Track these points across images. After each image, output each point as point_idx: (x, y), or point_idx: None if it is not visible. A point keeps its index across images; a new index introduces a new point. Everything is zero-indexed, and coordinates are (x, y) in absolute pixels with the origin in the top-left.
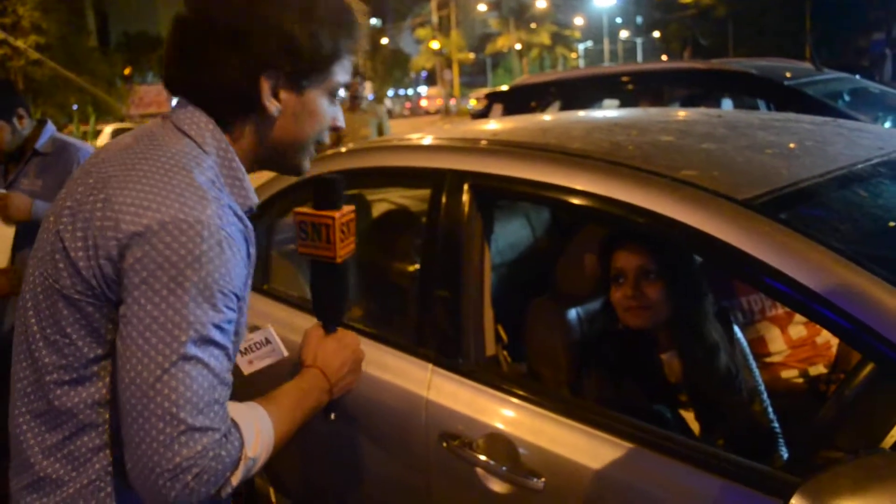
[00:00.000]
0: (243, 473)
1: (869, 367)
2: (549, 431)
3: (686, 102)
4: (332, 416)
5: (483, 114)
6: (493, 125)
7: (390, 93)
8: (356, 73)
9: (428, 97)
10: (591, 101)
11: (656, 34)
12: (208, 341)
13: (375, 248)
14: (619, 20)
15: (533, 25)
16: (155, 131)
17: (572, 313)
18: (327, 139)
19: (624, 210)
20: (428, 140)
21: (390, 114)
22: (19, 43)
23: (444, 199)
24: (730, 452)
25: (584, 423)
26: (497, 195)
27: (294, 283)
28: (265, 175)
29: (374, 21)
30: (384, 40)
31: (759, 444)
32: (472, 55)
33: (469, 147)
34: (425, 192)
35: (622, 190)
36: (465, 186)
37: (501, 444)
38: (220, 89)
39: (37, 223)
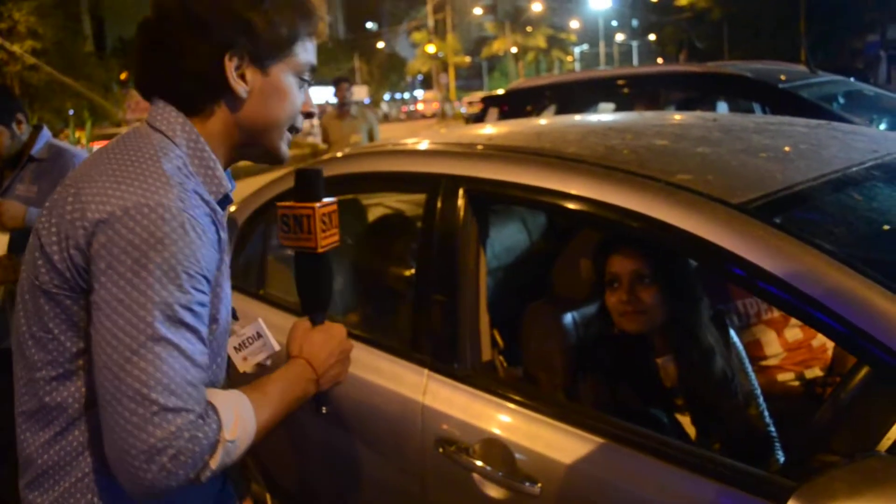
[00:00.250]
0: (222, 457)
1: (864, 371)
2: (546, 436)
3: (682, 105)
4: (324, 409)
5: (479, 118)
6: (489, 129)
7: (386, 96)
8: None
9: (424, 101)
10: (586, 105)
11: (652, 37)
12: (178, 322)
13: (371, 253)
14: (614, 23)
15: (529, 29)
16: (130, 132)
17: (568, 317)
18: (301, 124)
19: (619, 214)
20: (423, 145)
21: (386, 118)
22: (15, 48)
23: (439, 204)
24: (726, 456)
25: (580, 427)
26: (492, 200)
27: (290, 288)
28: (260, 181)
29: (370, 25)
30: (380, 44)
31: (755, 448)
32: (468, 59)
33: (464, 152)
34: (421, 197)
35: (617, 194)
36: (461, 191)
37: (498, 450)
38: (187, 77)
39: (31, 231)
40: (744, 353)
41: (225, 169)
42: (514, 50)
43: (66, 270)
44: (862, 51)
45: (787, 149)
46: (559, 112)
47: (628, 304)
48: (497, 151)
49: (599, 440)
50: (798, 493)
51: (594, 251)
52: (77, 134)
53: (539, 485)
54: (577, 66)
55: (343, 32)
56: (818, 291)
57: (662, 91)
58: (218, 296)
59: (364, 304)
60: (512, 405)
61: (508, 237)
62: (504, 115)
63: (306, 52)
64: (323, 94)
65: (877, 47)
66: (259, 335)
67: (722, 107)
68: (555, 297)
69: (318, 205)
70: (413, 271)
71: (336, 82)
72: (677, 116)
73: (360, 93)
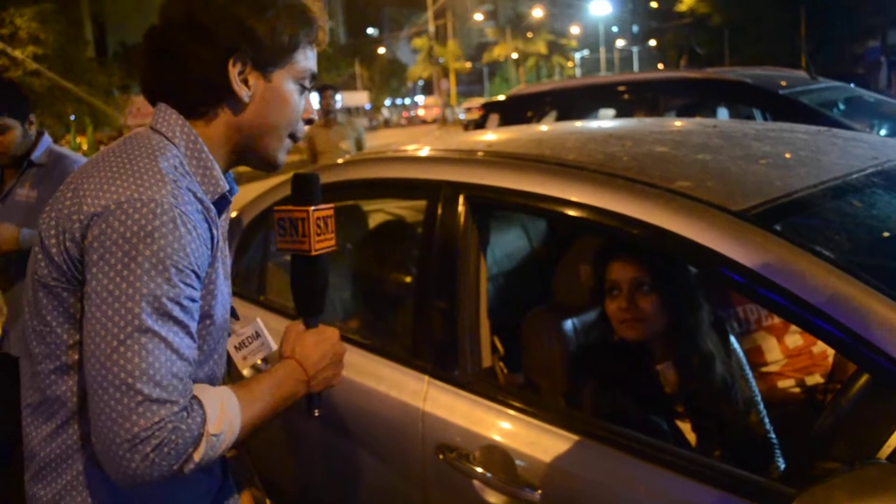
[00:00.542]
0: (206, 450)
1: (865, 378)
2: (546, 443)
3: (682, 112)
4: (316, 412)
5: (479, 124)
6: (489, 136)
7: (387, 102)
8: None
9: (425, 106)
10: (586, 111)
11: (652, 43)
12: (165, 315)
13: (371, 259)
14: (615, 29)
15: (529, 35)
16: (132, 134)
17: (568, 324)
18: (301, 131)
19: (619, 221)
20: (424, 151)
21: (387, 123)
22: (17, 53)
23: (439, 211)
24: (726, 463)
25: (580, 434)
26: (492, 206)
27: (290, 294)
28: (261, 187)
29: (371, 31)
30: (381, 50)
31: (755, 455)
32: (468, 64)
33: (464, 158)
34: (421, 203)
35: (617, 201)
36: (461, 198)
37: (498, 456)
38: (191, 80)
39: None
40: (744, 360)
41: (226, 172)
42: (514, 56)
43: (63, 263)
44: (862, 56)
45: (787, 155)
46: (560, 118)
47: (628, 311)
48: (497, 158)
49: (600, 447)
50: (798, 501)
51: (594, 258)
52: (78, 139)
53: (539, 491)
54: (578, 71)
55: (344, 38)
56: (818, 298)
57: (662, 97)
58: (212, 293)
59: (364, 311)
60: (512, 412)
61: (509, 243)
62: (504, 122)
63: (307, 59)
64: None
65: (877, 53)
66: (257, 335)
67: (722, 113)
68: (555, 303)
69: (312, 208)
70: (413, 278)
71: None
72: (677, 123)
73: (360, 99)
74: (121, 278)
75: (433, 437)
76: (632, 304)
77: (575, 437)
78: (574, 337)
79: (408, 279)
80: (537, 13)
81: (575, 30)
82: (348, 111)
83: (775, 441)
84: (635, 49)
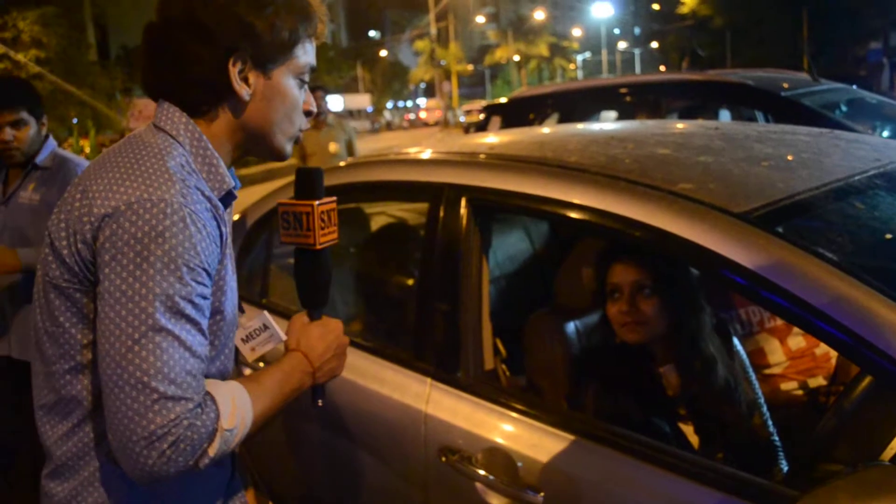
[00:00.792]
0: (220, 445)
1: (867, 380)
2: (549, 445)
3: (684, 114)
4: (320, 402)
5: (481, 126)
6: (491, 139)
7: (389, 105)
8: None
9: (427, 109)
10: (588, 113)
11: (654, 45)
12: (178, 314)
13: (374, 262)
14: (617, 31)
15: (531, 37)
16: (136, 133)
17: (571, 326)
18: (305, 124)
19: (621, 224)
20: (426, 154)
21: (389, 126)
22: (20, 57)
23: (441, 213)
24: (729, 466)
25: (583, 436)
26: (494, 209)
27: (293, 297)
28: (264, 189)
29: (372, 33)
30: (383, 52)
31: (758, 457)
32: (470, 67)
33: (467, 161)
34: (423, 206)
35: (619, 203)
36: (463, 200)
37: (500, 459)
38: (192, 81)
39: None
40: (747, 362)
41: (229, 167)
42: (516, 58)
43: (75, 264)
44: (864, 58)
45: (789, 157)
46: (562, 120)
47: (629, 314)
48: (499, 161)
49: (602, 449)
50: (801, 503)
51: (595, 261)
52: (81, 142)
53: (541, 494)
54: (580, 74)
55: (346, 41)
56: (820, 300)
57: (664, 99)
58: (221, 289)
59: (367, 313)
60: (514, 414)
61: (511, 246)
62: (506, 124)
63: (306, 53)
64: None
65: (879, 54)
66: (266, 327)
67: (724, 115)
68: (557, 306)
69: (317, 202)
70: (416, 280)
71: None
72: (679, 125)
73: (362, 102)
74: (133, 278)
75: (435, 440)
76: (633, 308)
77: (577, 440)
78: (576, 339)
79: (410, 281)
80: (539, 15)
81: (577, 32)
82: (350, 113)
83: (778, 443)
84: (637, 51)
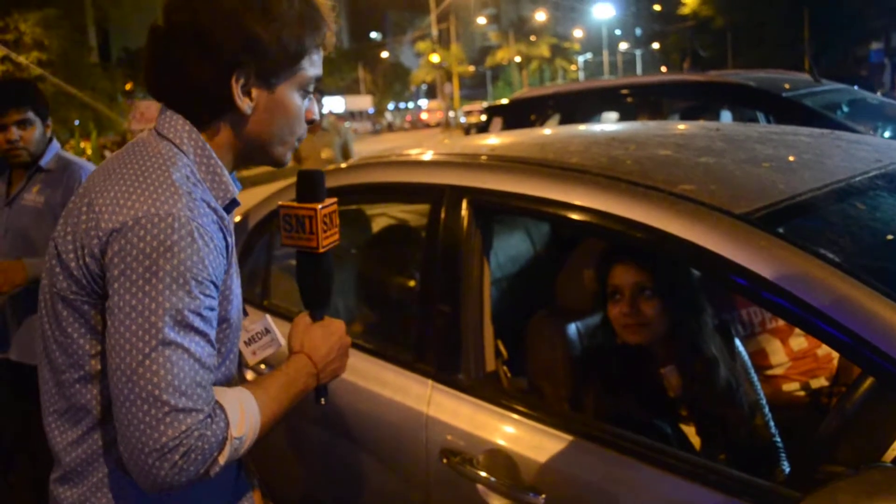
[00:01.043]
0: (230, 452)
1: (869, 381)
2: (550, 447)
3: (685, 115)
4: (323, 401)
5: (483, 128)
6: (492, 140)
7: (391, 106)
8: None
9: (428, 110)
10: (590, 114)
11: (655, 46)
12: (187, 327)
13: (375, 263)
14: (618, 32)
15: (532, 38)
16: (139, 140)
17: (572, 328)
18: (305, 132)
19: (622, 225)
20: (427, 156)
21: (390, 127)
22: (21, 59)
23: (443, 215)
24: (731, 467)
25: (584, 438)
26: (496, 210)
27: (294, 299)
28: (265, 191)
29: (374, 35)
30: (384, 54)
31: (760, 459)
32: (472, 68)
33: (468, 162)
34: (425, 207)
35: (620, 205)
36: (464, 202)
37: (502, 460)
38: (192, 91)
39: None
40: (749, 363)
41: (230, 172)
42: (517, 59)
43: (83, 278)
44: (866, 58)
45: (790, 158)
46: (563, 122)
47: (630, 316)
48: (500, 162)
49: (603, 450)
50: None
51: (596, 263)
52: (82, 144)
53: (543, 495)
54: (581, 74)
55: (347, 42)
56: (822, 302)
57: (666, 100)
58: (227, 298)
59: (368, 315)
60: (516, 416)
61: (512, 247)
62: (508, 125)
63: (313, 65)
64: (327, 105)
65: (881, 55)
66: (267, 331)
67: (726, 116)
68: (558, 307)
69: (319, 206)
70: (417, 282)
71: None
72: (680, 126)
73: (363, 103)
74: (143, 293)
75: (437, 442)
76: (634, 309)
77: (579, 441)
78: (578, 341)
79: (411, 283)
80: (540, 17)
81: (578, 33)
82: (351, 115)
83: (780, 444)
84: (638, 52)
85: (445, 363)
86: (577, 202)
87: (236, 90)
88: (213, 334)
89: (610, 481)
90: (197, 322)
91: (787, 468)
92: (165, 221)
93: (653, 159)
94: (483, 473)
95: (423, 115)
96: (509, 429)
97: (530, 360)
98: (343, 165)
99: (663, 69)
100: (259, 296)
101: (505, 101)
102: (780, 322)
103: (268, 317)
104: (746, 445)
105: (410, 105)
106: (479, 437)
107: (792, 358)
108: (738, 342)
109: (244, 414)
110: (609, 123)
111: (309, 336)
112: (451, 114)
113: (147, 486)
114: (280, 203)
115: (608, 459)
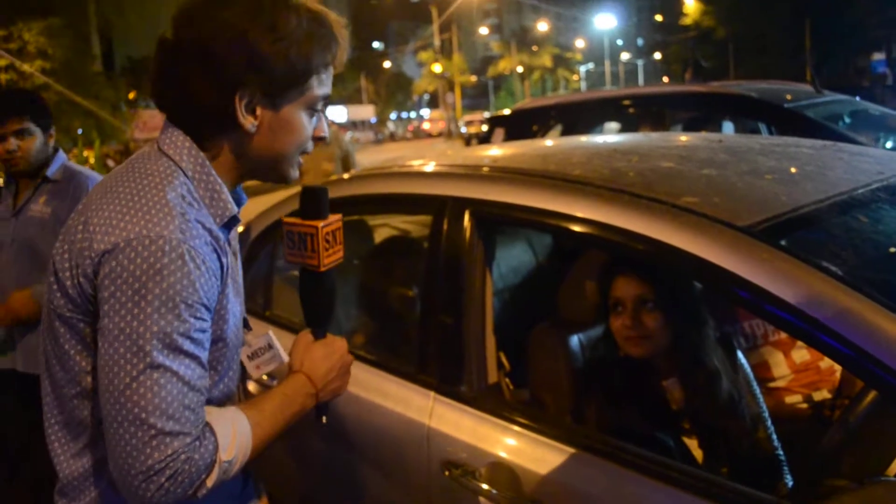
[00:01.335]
0: (219, 475)
1: (872, 394)
2: (552, 460)
3: (687, 126)
4: (324, 419)
5: (485, 138)
6: (494, 151)
7: (393, 115)
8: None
9: (430, 120)
10: (592, 125)
11: (657, 56)
12: (176, 350)
13: (377, 274)
14: (620, 42)
15: (534, 48)
16: (140, 155)
17: (574, 340)
18: (311, 148)
19: (624, 237)
20: (429, 167)
21: (392, 136)
22: (25, 67)
23: (445, 226)
24: (733, 480)
25: (586, 450)
26: (498, 222)
27: (296, 309)
28: (269, 200)
29: (376, 45)
30: (387, 64)
31: (763, 472)
32: (474, 78)
33: (470, 174)
34: (427, 218)
35: (622, 217)
36: (467, 213)
37: (504, 473)
38: (195, 108)
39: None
40: (751, 375)
41: (235, 187)
42: (519, 69)
43: (78, 297)
44: (867, 68)
45: (793, 170)
46: (565, 132)
47: (632, 329)
48: (503, 173)
49: (606, 463)
50: None
51: (598, 275)
52: (85, 153)
53: None
54: (583, 84)
55: (349, 52)
56: (824, 315)
57: (667, 111)
58: (223, 317)
59: (370, 326)
60: (518, 428)
61: (514, 258)
62: (510, 136)
63: (321, 84)
64: (329, 115)
65: (883, 65)
66: (270, 346)
67: (728, 127)
68: (561, 319)
69: (321, 224)
70: (419, 293)
71: None
72: (683, 138)
73: (365, 113)
74: (131, 316)
75: (439, 454)
76: (636, 322)
77: (581, 454)
78: (580, 353)
79: (413, 294)
80: (542, 27)
81: (580, 43)
82: (353, 124)
83: (783, 457)
84: (640, 62)
85: (447, 375)
86: (580, 214)
87: (240, 109)
88: (204, 356)
89: (612, 494)
90: (186, 345)
91: (789, 482)
92: (156, 244)
93: (655, 171)
94: (485, 486)
95: (426, 125)
96: (511, 441)
97: (532, 372)
98: (345, 176)
99: (665, 79)
100: (262, 306)
101: (507, 111)
102: (783, 334)
103: (271, 332)
104: (749, 458)
105: (412, 115)
106: (481, 449)
107: (794, 370)
108: (740, 354)
109: (235, 436)
110: (611, 134)
111: (309, 355)
112: (454, 124)
113: None
114: (283, 218)
115: (610, 472)
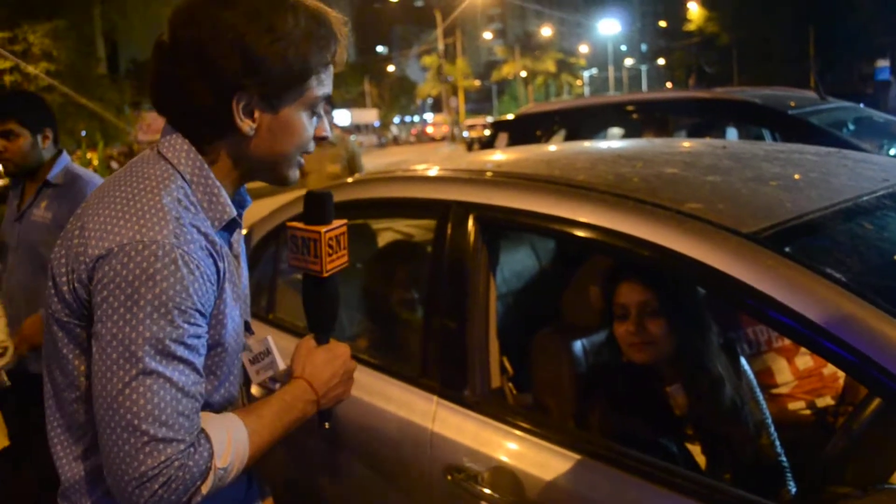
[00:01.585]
0: (214, 482)
1: (876, 401)
2: (555, 465)
3: (691, 132)
4: (327, 425)
5: (488, 143)
6: (498, 156)
7: (396, 119)
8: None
9: (434, 124)
10: (595, 130)
11: (661, 62)
12: (169, 356)
13: (380, 278)
14: (623, 48)
15: (538, 53)
16: (139, 158)
17: (578, 345)
18: (312, 148)
19: (629, 243)
20: (433, 171)
21: (396, 140)
22: (30, 69)
23: (449, 230)
24: (736, 487)
25: (589, 456)
26: (502, 227)
27: (299, 313)
28: (272, 203)
29: (380, 49)
30: (391, 67)
31: (766, 478)
32: (477, 82)
33: (474, 178)
34: (431, 223)
35: (627, 223)
36: (471, 218)
37: (507, 478)
38: (193, 110)
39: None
40: (754, 382)
41: (236, 191)
42: (523, 74)
43: (73, 301)
44: (872, 75)
45: (797, 177)
46: (568, 137)
47: (636, 335)
48: (507, 178)
49: (609, 469)
50: None
51: (602, 280)
52: (89, 155)
53: None
54: (587, 90)
55: (353, 56)
56: (829, 321)
57: (671, 117)
58: (221, 322)
59: (373, 330)
60: (521, 433)
61: (518, 262)
62: (513, 141)
63: (321, 84)
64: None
65: (887, 72)
66: (268, 352)
67: (732, 133)
68: (564, 324)
69: (325, 229)
70: (422, 297)
71: None
72: (687, 144)
73: (369, 116)
74: (124, 322)
75: (441, 458)
76: (640, 328)
77: (584, 459)
78: (583, 358)
79: (416, 298)
80: (546, 32)
81: (584, 48)
82: (357, 128)
83: (786, 464)
84: (644, 67)
85: (451, 379)
86: (584, 219)
87: (237, 112)
88: (199, 362)
89: (615, 499)
90: (180, 351)
91: (793, 488)
92: (149, 249)
93: (660, 177)
94: (488, 490)
95: (429, 129)
96: (514, 446)
97: (536, 377)
98: (349, 180)
99: (668, 85)
100: (264, 309)
101: (510, 116)
102: (786, 341)
103: (269, 337)
104: (752, 465)
105: (416, 119)
106: (483, 453)
107: (798, 377)
108: (743, 361)
109: (231, 443)
110: (615, 140)
111: (311, 361)
112: (457, 128)
113: None
114: (287, 222)
115: (613, 478)
